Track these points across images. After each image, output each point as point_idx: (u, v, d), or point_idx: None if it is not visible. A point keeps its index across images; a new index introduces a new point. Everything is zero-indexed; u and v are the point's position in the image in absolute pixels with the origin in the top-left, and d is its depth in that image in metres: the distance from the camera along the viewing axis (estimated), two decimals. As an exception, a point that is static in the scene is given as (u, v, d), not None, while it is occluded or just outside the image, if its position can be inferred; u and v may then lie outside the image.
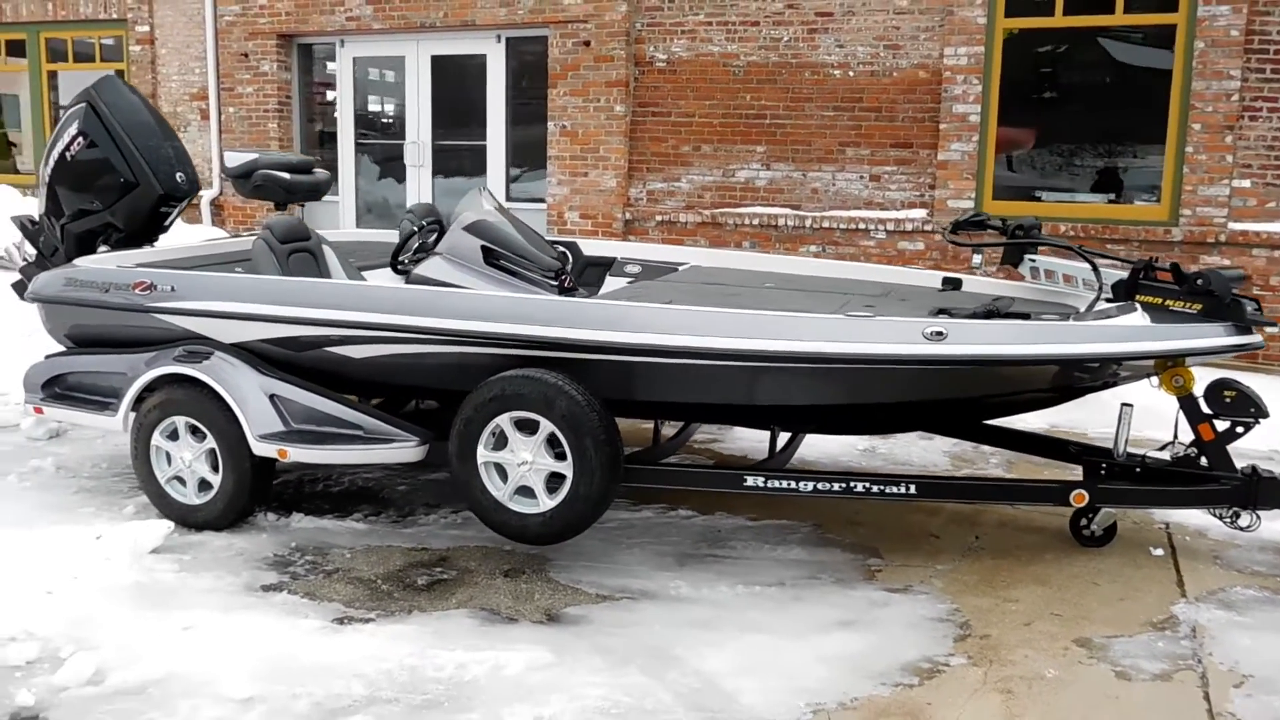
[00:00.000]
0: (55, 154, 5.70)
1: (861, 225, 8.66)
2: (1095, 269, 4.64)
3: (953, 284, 5.28)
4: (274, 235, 5.01)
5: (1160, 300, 4.39)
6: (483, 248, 4.55)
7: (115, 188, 5.61)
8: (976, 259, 5.01)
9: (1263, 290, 7.56)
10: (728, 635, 3.80)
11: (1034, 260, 5.03)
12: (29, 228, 6.34)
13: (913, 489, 4.32)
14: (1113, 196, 8.30)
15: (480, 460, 4.19)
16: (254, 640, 3.66)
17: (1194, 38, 7.62)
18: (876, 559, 4.55)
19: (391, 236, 6.17)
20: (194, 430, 4.68)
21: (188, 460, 4.70)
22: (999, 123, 8.34)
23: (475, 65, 9.98)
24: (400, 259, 5.08)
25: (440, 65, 10.10)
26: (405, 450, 4.51)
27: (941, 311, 4.47)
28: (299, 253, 5.11)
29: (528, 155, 10.02)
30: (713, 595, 4.17)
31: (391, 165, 10.50)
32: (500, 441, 4.20)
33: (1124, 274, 4.59)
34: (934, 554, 4.60)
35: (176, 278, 4.74)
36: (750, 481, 4.33)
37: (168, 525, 4.50)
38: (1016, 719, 3.25)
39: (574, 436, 4.01)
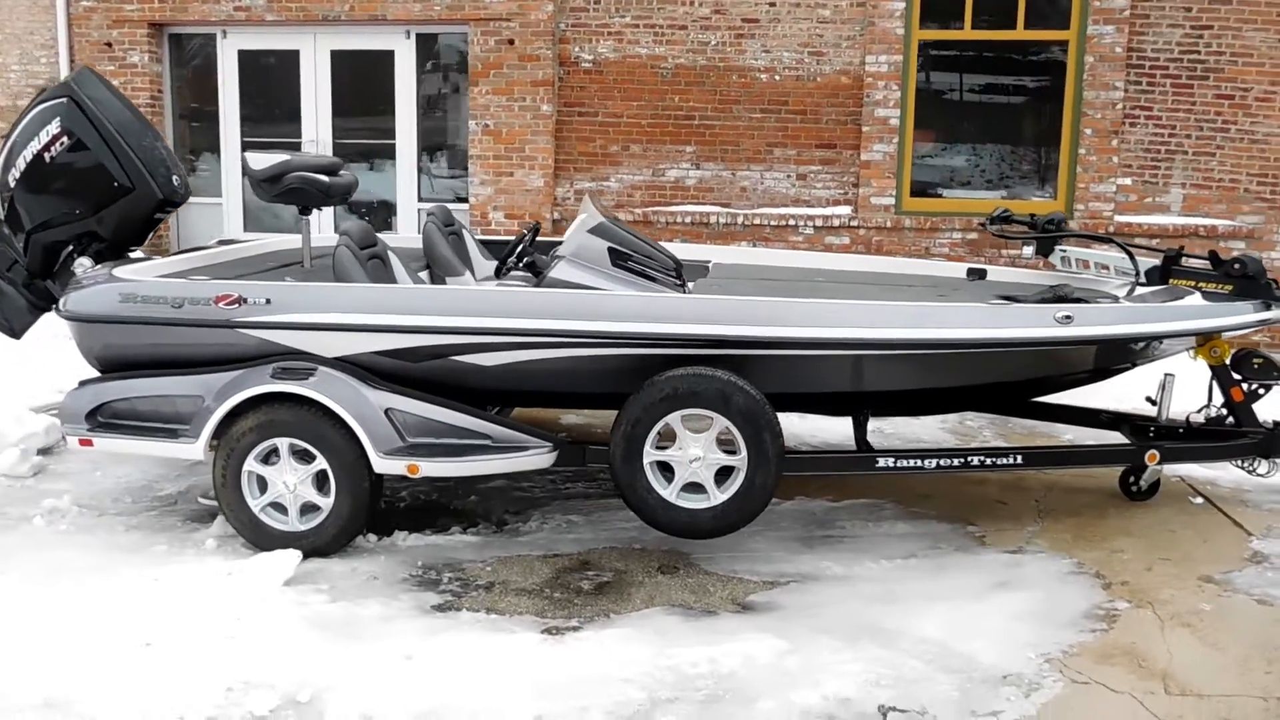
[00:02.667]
0: (27, 155, 5.11)
1: (790, 222, 9.10)
2: (1132, 257, 5.22)
3: (978, 274, 5.78)
4: (353, 240, 4.77)
5: (1193, 283, 5.03)
6: (609, 249, 4.56)
7: (105, 192, 5.11)
8: (1027, 250, 5.51)
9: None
10: (915, 605, 4.05)
11: (1064, 250, 5.59)
12: None
13: (1019, 459, 4.74)
14: (1004, 193, 9.17)
15: (647, 460, 4.22)
16: (486, 661, 3.56)
17: (1084, 53, 8.56)
18: (973, 527, 4.94)
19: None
20: (297, 452, 4.41)
21: (291, 485, 4.41)
22: (915, 125, 9.03)
23: (381, 61, 9.64)
24: (506, 264, 4.97)
25: (341, 60, 9.69)
26: (540, 456, 4.45)
27: (1008, 298, 4.92)
28: (374, 259, 4.90)
29: (441, 155, 9.81)
30: (865, 572, 4.41)
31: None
32: (661, 441, 4.25)
33: (1156, 261, 5.20)
34: (1014, 518, 5.04)
35: (271, 290, 4.44)
36: (882, 463, 4.60)
37: (296, 555, 4.23)
38: (1217, 646, 3.70)
39: (751, 430, 4.14)
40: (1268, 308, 4.81)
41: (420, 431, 4.40)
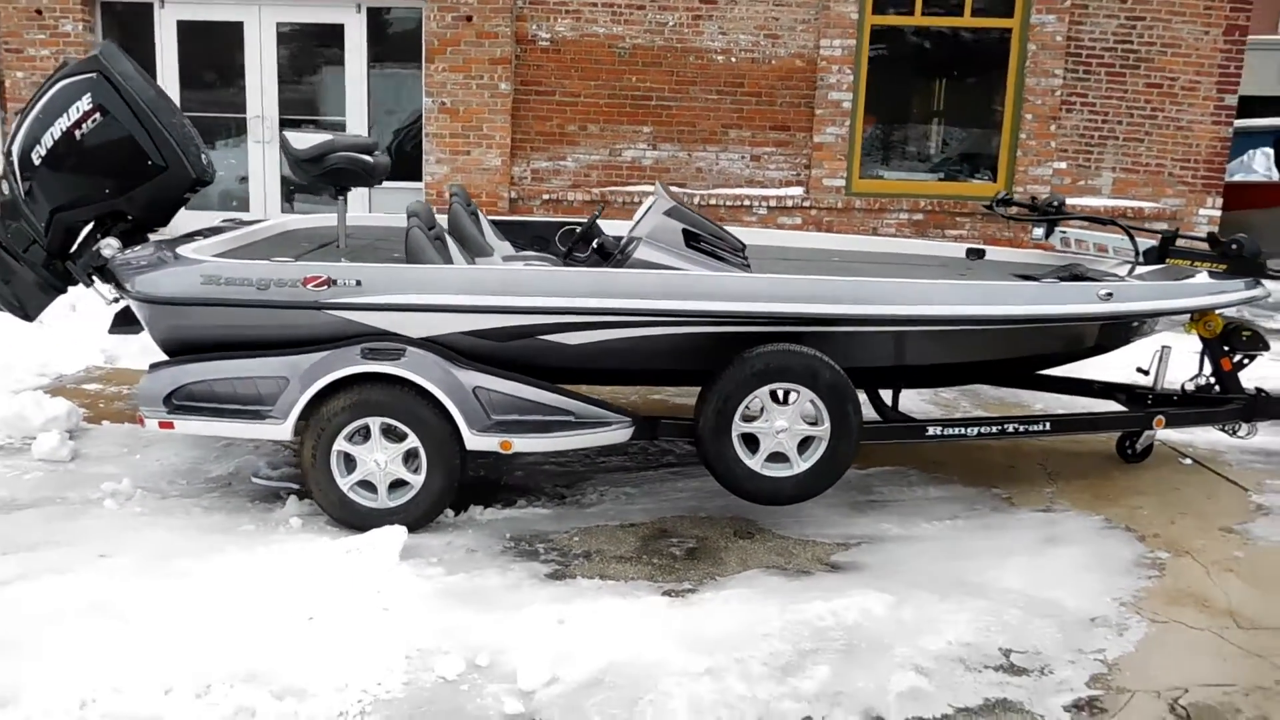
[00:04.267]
0: (55, 132, 4.94)
1: (745, 202, 9.41)
2: (1132, 238, 5.72)
3: (977, 254, 6.20)
4: (422, 222, 4.80)
5: (1189, 262, 5.57)
6: (684, 231, 4.73)
7: (137, 171, 4.99)
8: (1037, 232, 5.93)
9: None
10: (985, 560, 4.41)
11: (1065, 232, 6.06)
12: None
13: (1048, 426, 5.15)
14: (943, 175, 9.72)
15: (735, 432, 4.44)
16: (630, 621, 3.72)
17: (1027, 41, 9.14)
18: (997, 489, 5.34)
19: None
20: (387, 431, 4.45)
21: (383, 463, 4.45)
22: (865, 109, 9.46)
23: (330, 35, 9.44)
24: (574, 246, 5.06)
25: (288, 34, 9.44)
26: (620, 431, 4.60)
27: (1026, 277, 5.34)
28: (436, 239, 4.93)
29: (392, 132, 9.68)
30: (922, 532, 4.75)
31: (226, 142, 9.65)
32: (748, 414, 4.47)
33: (1153, 242, 5.72)
34: (1029, 481, 5.47)
35: (360, 271, 4.44)
36: (931, 431, 4.95)
37: (402, 531, 4.27)
38: (1264, 587, 4.18)
39: (836, 403, 4.40)
40: (1258, 284, 5.37)
41: (506, 409, 4.49)
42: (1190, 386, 5.66)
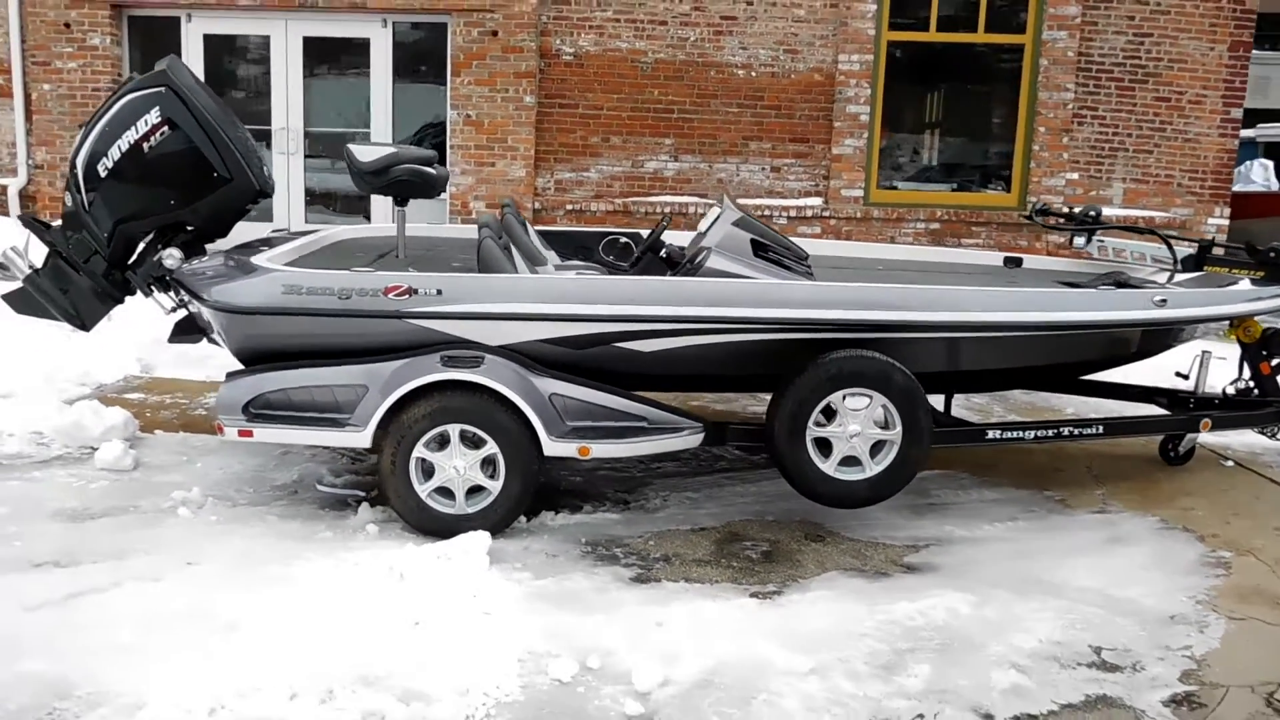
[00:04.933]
0: (122, 145, 5.00)
1: (765, 212, 9.52)
2: (1170, 246, 5.87)
3: (1015, 262, 6.32)
4: (494, 232, 4.87)
5: (1227, 269, 5.72)
6: (751, 240, 4.82)
7: (204, 183, 5.06)
8: (1079, 241, 6.07)
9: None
10: (1053, 560, 4.50)
11: (1103, 241, 6.20)
12: (43, 230, 5.49)
13: (1101, 429, 5.27)
14: (955, 186, 9.88)
15: (809, 436, 4.53)
16: (724, 623, 3.79)
17: (1039, 56, 9.33)
18: (1049, 491, 5.45)
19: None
20: (466, 437, 4.50)
21: (462, 469, 4.50)
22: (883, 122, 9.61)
23: (355, 49, 9.50)
24: (642, 255, 5.13)
25: (314, 47, 9.49)
26: (692, 437, 4.68)
27: (1069, 285, 5.47)
28: (505, 250, 5.00)
29: (417, 143, 9.73)
30: (986, 534, 4.84)
31: (249, 153, 9.66)
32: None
33: (1190, 250, 5.87)
34: (1078, 484, 5.59)
35: (442, 281, 4.50)
36: (990, 435, 5.05)
37: (486, 537, 4.32)
38: (1327, 584, 4.32)
39: (908, 408, 4.50)
40: None
41: (580, 415, 4.55)
42: (1231, 390, 5.80)
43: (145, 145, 4.96)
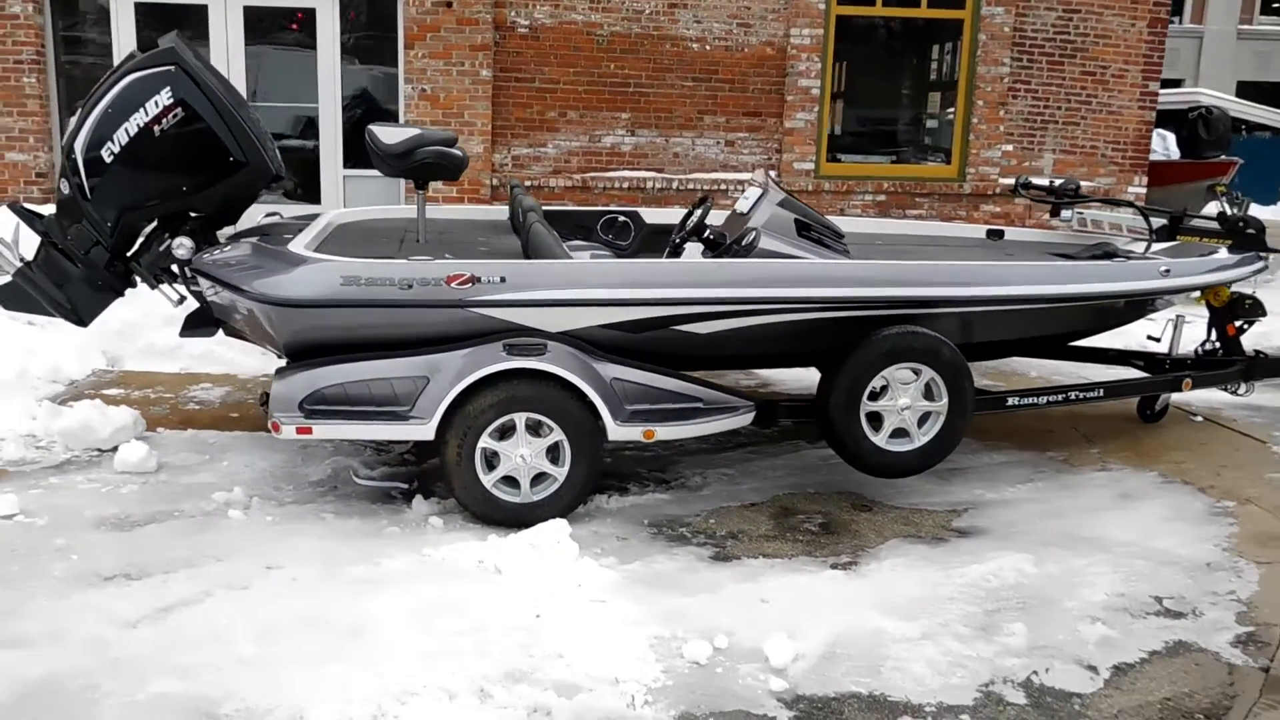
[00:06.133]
0: (130, 128, 4.79)
1: (720, 186, 9.68)
2: (1146, 218, 6.27)
3: (997, 235, 6.66)
4: (538, 217, 4.86)
5: (1197, 238, 6.16)
6: (795, 221, 4.95)
7: (217, 168, 4.91)
8: (1066, 214, 6.40)
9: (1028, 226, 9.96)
10: (1085, 518, 4.84)
11: (1081, 212, 6.57)
12: (35, 220, 5.23)
13: (1101, 393, 5.63)
14: (895, 159, 10.23)
15: (863, 411, 4.72)
16: (819, 594, 3.97)
17: (978, 31, 9.70)
18: (1051, 452, 5.81)
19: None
20: (530, 425, 4.53)
21: (528, 457, 4.53)
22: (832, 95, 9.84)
23: (300, 21, 9.17)
24: (681, 237, 5.19)
25: (255, 19, 9.11)
26: (745, 415, 4.81)
27: (1063, 255, 5.82)
28: (554, 234, 5.00)
29: (368, 119, 9.48)
30: (1013, 495, 5.15)
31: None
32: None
33: (1163, 221, 6.28)
34: (1071, 444, 5.97)
35: (505, 268, 4.48)
36: (1010, 402, 5.35)
37: (565, 525, 4.36)
38: (1331, 527, 4.77)
39: (954, 380, 4.74)
40: (1261, 258, 5.99)
41: (639, 399, 4.62)
42: (1200, 351, 6.27)
43: (156, 128, 4.76)
